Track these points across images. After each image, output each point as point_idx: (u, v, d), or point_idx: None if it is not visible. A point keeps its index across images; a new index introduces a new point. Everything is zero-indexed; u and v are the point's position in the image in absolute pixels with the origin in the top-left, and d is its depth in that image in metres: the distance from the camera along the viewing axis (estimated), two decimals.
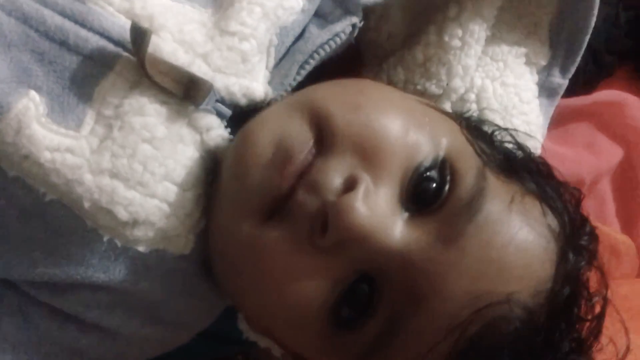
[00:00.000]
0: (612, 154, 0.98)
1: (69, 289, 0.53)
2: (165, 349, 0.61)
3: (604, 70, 1.01)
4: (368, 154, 0.49)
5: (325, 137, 0.49)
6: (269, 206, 0.48)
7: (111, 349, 0.56)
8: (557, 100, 0.66)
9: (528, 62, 0.64)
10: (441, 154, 0.50)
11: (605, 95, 0.99)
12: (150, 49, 0.49)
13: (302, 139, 0.49)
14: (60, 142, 0.49)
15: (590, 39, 0.64)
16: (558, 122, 0.75)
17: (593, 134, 0.98)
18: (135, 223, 0.51)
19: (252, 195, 0.49)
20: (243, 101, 0.53)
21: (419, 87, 0.60)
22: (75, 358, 0.56)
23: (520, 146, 0.57)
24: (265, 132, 0.50)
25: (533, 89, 0.64)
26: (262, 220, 0.49)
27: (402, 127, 0.50)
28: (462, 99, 0.61)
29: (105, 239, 0.51)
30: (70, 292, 0.53)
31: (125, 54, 0.50)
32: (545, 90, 0.65)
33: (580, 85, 0.96)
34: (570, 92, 0.70)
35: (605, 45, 1.00)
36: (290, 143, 0.49)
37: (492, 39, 0.62)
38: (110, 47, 0.50)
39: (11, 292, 0.55)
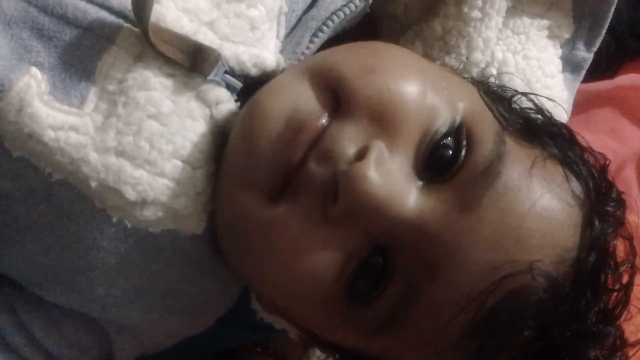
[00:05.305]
0: (636, 139, 0.96)
1: (84, 288, 0.52)
2: (190, 334, 0.60)
3: (627, 54, 0.98)
4: (384, 119, 0.47)
5: (342, 103, 0.47)
6: (279, 185, 0.47)
7: (132, 343, 0.56)
8: (582, 75, 0.64)
9: (551, 35, 0.62)
10: (458, 118, 0.48)
11: (628, 79, 0.98)
12: (153, 18, 0.47)
13: (314, 108, 0.47)
14: (63, 120, 0.47)
15: (611, 22, 0.62)
16: (580, 107, 0.73)
17: (616, 120, 0.97)
18: (144, 203, 0.49)
19: (262, 172, 0.47)
20: (254, 71, 0.52)
21: (437, 62, 0.58)
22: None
23: (540, 110, 0.55)
24: (275, 103, 0.48)
25: (557, 63, 0.62)
26: (272, 199, 0.47)
27: (419, 90, 0.48)
28: (483, 74, 0.58)
29: (114, 219, 0.49)
30: (85, 291, 0.52)
31: (127, 25, 0.48)
32: (570, 64, 0.63)
33: (602, 69, 0.94)
34: (592, 76, 0.68)
35: (628, 28, 0.98)
36: (302, 115, 0.47)
37: (513, 11, 0.60)
38: (111, 18, 0.48)
39: (21, 299, 0.54)
